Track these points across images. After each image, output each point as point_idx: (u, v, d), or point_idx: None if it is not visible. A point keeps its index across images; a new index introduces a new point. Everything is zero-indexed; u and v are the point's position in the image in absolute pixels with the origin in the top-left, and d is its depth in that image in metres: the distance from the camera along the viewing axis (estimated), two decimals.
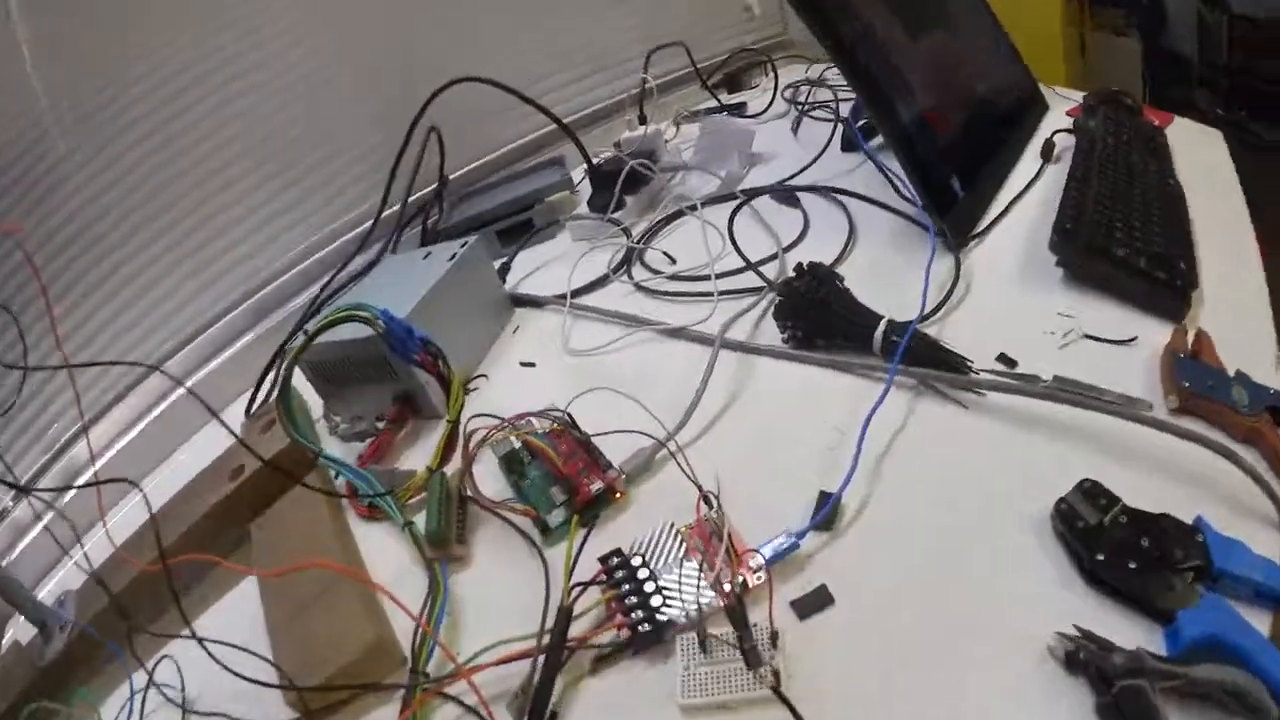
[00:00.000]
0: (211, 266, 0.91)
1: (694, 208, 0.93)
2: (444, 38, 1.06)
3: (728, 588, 0.45)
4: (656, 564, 0.48)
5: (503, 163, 1.13)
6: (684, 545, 0.49)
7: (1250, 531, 0.44)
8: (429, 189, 1.00)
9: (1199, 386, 0.54)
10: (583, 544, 0.53)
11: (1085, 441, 0.53)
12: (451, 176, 1.03)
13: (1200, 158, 0.89)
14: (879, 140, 0.94)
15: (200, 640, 0.47)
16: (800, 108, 1.16)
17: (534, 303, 0.84)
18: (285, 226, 0.95)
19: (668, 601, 0.46)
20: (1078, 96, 1.05)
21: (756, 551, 0.47)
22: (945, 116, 0.89)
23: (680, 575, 0.47)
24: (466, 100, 1.02)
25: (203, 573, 0.62)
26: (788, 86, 1.24)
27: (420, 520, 0.57)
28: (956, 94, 0.94)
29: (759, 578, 0.46)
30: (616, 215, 0.93)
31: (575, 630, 0.46)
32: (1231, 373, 0.55)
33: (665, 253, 0.87)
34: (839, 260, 0.80)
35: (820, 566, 0.49)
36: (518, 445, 0.59)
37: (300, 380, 0.70)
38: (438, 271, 0.74)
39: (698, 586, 0.46)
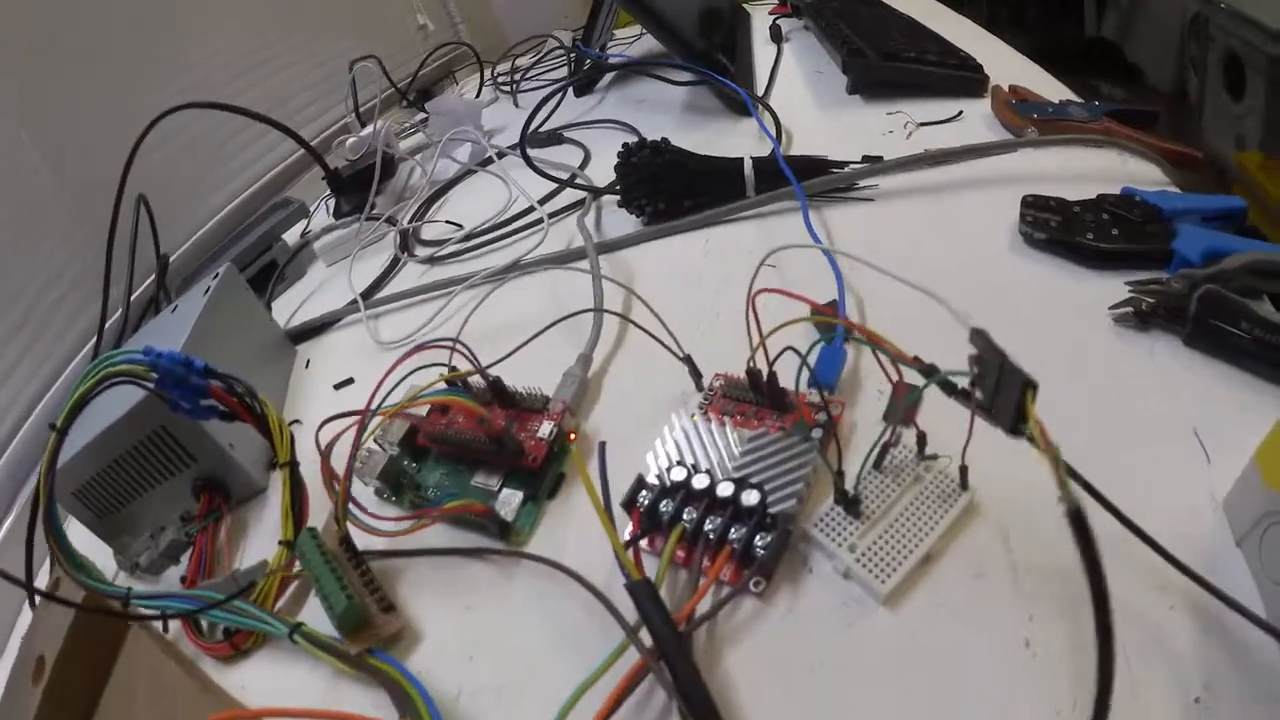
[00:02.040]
0: None
1: (491, 160, 0.81)
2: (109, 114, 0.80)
3: (817, 434, 0.31)
4: (710, 463, 0.32)
5: (227, 224, 0.88)
6: (724, 421, 0.34)
7: (1158, 189, 0.46)
8: (149, 281, 0.74)
9: (1044, 114, 0.57)
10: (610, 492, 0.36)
11: (992, 184, 0.52)
12: (172, 256, 0.77)
13: None
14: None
15: None
16: (514, 83, 1.10)
17: (318, 328, 0.63)
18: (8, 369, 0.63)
19: (765, 492, 0.30)
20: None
21: (816, 384, 0.34)
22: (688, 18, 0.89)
23: (753, 453, 0.32)
24: (168, 169, 0.80)
25: None
26: (493, 77, 1.17)
27: (308, 617, 0.37)
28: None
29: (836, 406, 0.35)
30: (374, 214, 0.75)
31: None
32: (1058, 102, 0.59)
33: (449, 221, 0.71)
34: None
35: (869, 372, 0.39)
36: (393, 452, 0.40)
37: (79, 536, 0.43)
38: (194, 311, 0.51)
39: (784, 450, 0.31)
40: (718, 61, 0.76)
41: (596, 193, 0.64)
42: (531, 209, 0.67)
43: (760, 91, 0.79)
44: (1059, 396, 0.32)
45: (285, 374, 0.58)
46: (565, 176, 0.68)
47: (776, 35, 0.96)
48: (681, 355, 0.39)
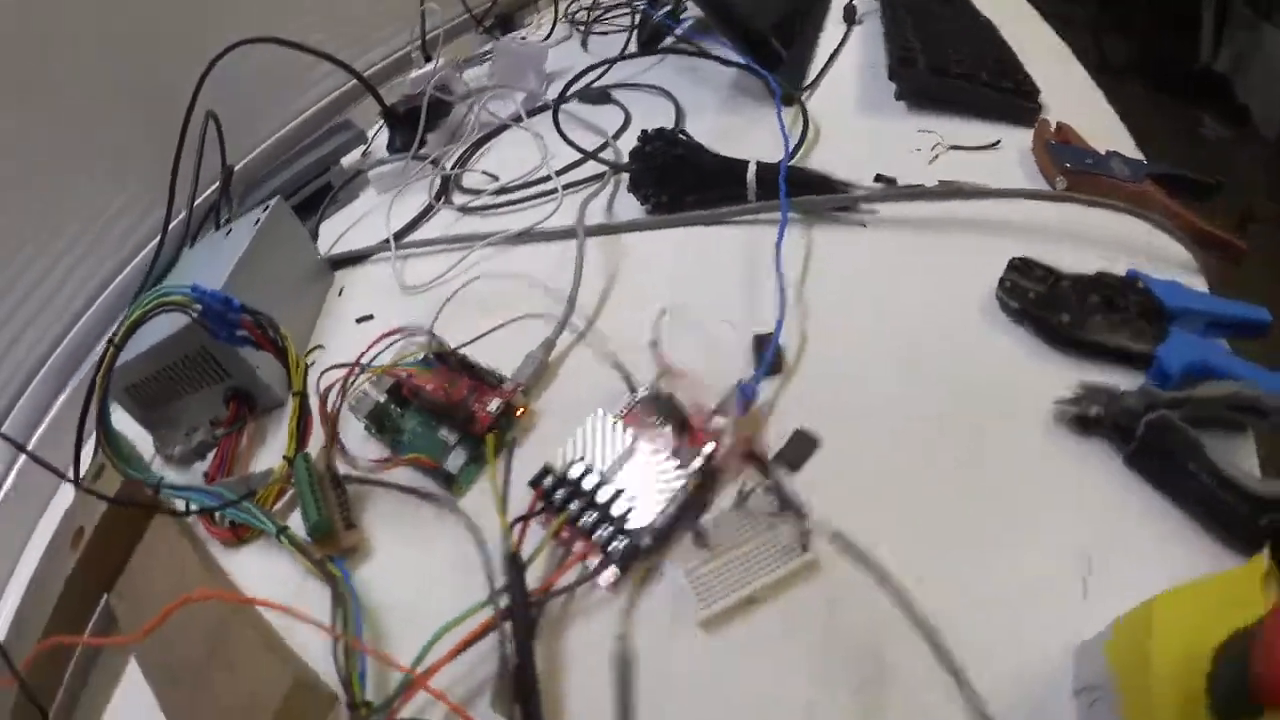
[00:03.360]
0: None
1: (519, 118, 0.82)
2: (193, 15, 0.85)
3: (698, 463, 0.35)
4: (603, 465, 0.37)
5: (290, 141, 0.93)
6: (628, 433, 0.38)
7: (1172, 278, 0.41)
8: (213, 187, 0.80)
9: (1080, 164, 0.52)
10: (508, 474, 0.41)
11: (994, 230, 0.49)
12: (237, 166, 0.83)
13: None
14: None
15: None
16: (584, 25, 1.08)
17: (354, 259, 0.69)
18: (74, 264, 0.73)
19: (633, 504, 0.35)
20: None
21: (715, 413, 0.37)
22: None
23: (638, 467, 0.36)
24: (239, 80, 0.82)
25: (83, 673, 0.45)
26: (566, 12, 1.15)
27: (296, 522, 0.44)
28: None
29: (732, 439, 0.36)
30: (422, 152, 0.79)
31: (532, 581, 0.35)
32: (1103, 152, 0.54)
33: (485, 172, 0.74)
34: (678, 122, 0.72)
35: (785, 414, 0.40)
36: (381, 399, 0.46)
37: (124, 424, 0.52)
38: (243, 241, 0.58)
39: (662, 472, 0.36)
40: (770, 48, 0.75)
41: (615, 169, 0.66)
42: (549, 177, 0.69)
43: (808, 81, 0.77)
44: (961, 479, 0.35)
45: (320, 298, 0.65)
46: (598, 143, 0.71)
47: (850, 15, 0.90)
48: (618, 362, 0.43)
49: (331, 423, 0.46)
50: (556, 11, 1.14)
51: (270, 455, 0.52)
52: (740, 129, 0.69)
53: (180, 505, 0.48)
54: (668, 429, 0.37)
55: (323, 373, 0.47)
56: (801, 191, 0.54)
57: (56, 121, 0.71)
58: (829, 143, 0.65)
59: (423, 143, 0.80)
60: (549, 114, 0.81)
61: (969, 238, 0.49)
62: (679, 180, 0.59)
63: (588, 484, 0.36)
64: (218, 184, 0.79)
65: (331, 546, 0.42)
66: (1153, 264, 0.43)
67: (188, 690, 0.39)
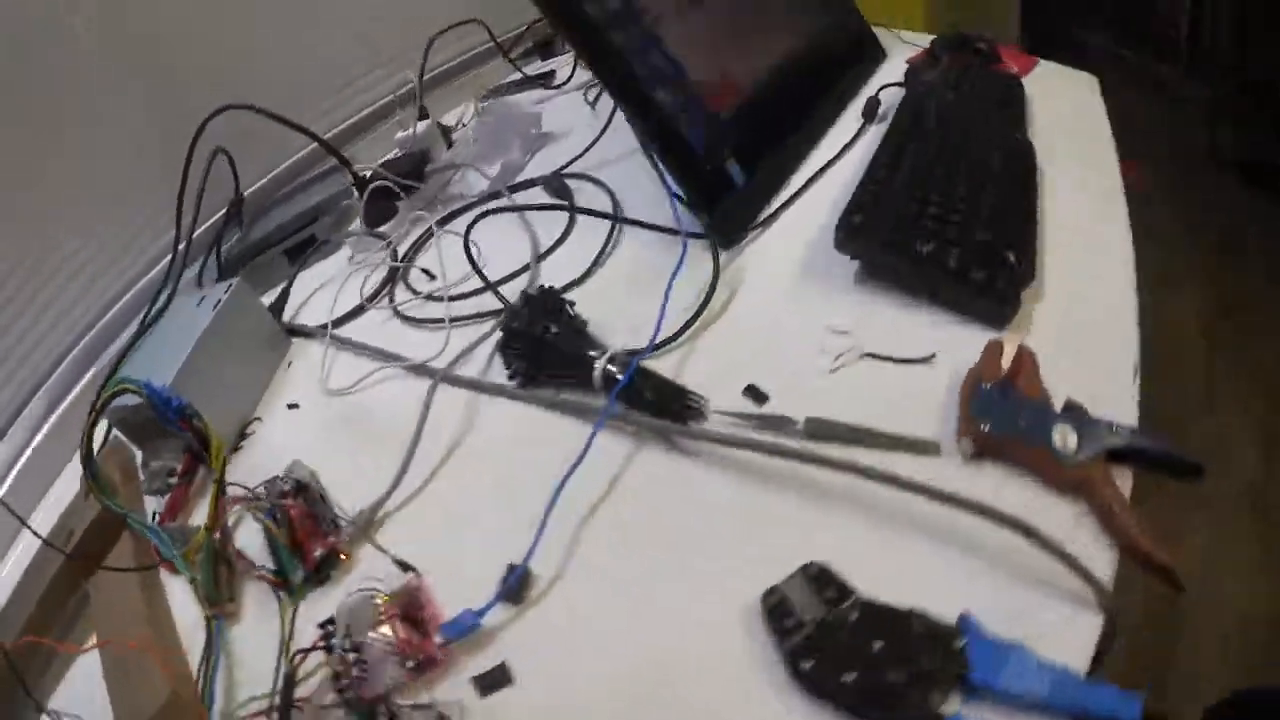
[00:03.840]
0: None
1: (445, 220, 0.89)
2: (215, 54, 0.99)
3: (410, 664, 0.47)
4: (358, 633, 0.50)
5: (302, 166, 1.07)
6: (380, 615, 0.52)
7: (1055, 624, 0.34)
8: (223, 211, 0.97)
9: (1005, 427, 0.41)
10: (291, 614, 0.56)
11: (837, 506, 0.42)
12: (249, 191, 1.00)
13: (1066, 108, 0.75)
14: None
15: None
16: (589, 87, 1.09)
17: (305, 333, 0.81)
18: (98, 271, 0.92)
19: (363, 672, 0.48)
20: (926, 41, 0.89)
21: (443, 627, 0.48)
22: (731, 85, 0.77)
23: (372, 646, 0.49)
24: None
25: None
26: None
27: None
28: (752, 54, 0.80)
29: (442, 653, 0.47)
30: (384, 229, 0.91)
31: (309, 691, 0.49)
32: (1059, 404, 0.42)
33: (425, 270, 0.83)
34: (596, 265, 0.74)
35: (507, 642, 0.46)
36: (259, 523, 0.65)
37: None
38: (203, 322, 0.74)
39: (386, 659, 0.48)
40: (722, 173, 0.68)
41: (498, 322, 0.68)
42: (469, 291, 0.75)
43: (765, 213, 0.68)
44: None
45: (274, 366, 0.81)
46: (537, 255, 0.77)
47: (870, 111, 0.78)
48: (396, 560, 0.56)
49: (223, 523, 0.65)
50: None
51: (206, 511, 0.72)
52: (662, 270, 0.63)
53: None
54: (399, 625, 0.53)
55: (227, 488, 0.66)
56: (643, 400, 0.54)
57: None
58: (737, 313, 0.60)
59: (392, 212, 0.91)
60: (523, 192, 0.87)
61: (806, 506, 0.43)
62: (539, 357, 0.62)
63: (344, 644, 0.52)
64: (225, 208, 0.96)
65: (217, 608, 0.63)
66: (1039, 595, 0.34)
67: (117, 675, 0.60)
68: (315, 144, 0.99)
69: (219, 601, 0.63)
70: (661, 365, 0.61)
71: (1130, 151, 0.66)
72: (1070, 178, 0.61)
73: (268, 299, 0.87)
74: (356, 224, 0.94)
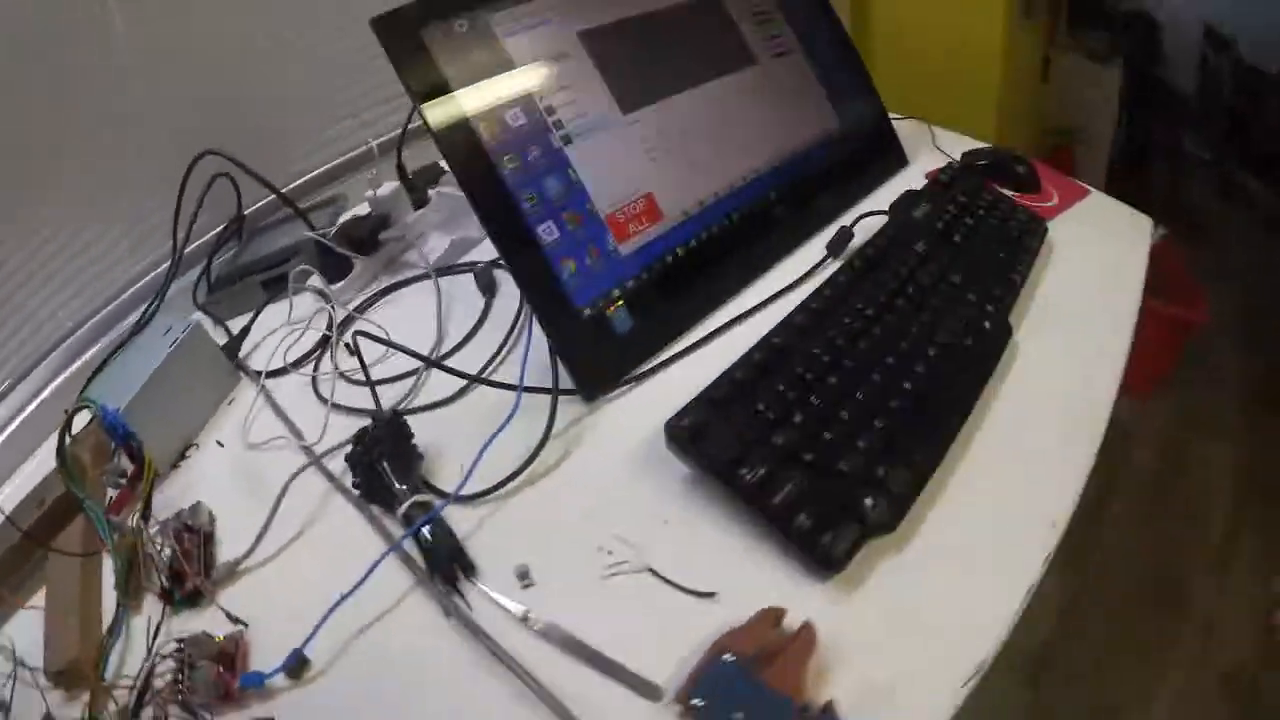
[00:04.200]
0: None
1: (387, 291, 1.01)
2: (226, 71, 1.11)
3: (218, 694, 0.62)
4: (196, 657, 0.63)
5: (299, 193, 1.19)
6: (213, 650, 0.65)
7: None
8: (222, 226, 1.13)
9: (717, 715, 0.37)
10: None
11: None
12: (247, 211, 1.14)
13: (1093, 265, 0.64)
14: None
15: None
16: None
17: (248, 374, 0.92)
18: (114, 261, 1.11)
19: (190, 687, 0.62)
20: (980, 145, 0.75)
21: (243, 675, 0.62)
22: (652, 211, 0.70)
23: (200, 669, 0.63)
24: (269, 122, 1.12)
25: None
26: None
27: None
28: (704, 169, 0.71)
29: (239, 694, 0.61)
30: (338, 286, 1.01)
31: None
32: (821, 702, 0.37)
33: (347, 344, 0.90)
34: (464, 392, 0.80)
35: (280, 703, 0.58)
36: (166, 551, 0.87)
37: None
38: (160, 355, 0.86)
39: (207, 683, 0.62)
40: (601, 320, 0.63)
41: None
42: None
43: (642, 368, 0.65)
44: None
45: (218, 401, 0.93)
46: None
47: (839, 245, 0.66)
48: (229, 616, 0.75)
49: (141, 545, 0.88)
50: None
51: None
52: (527, 412, 0.63)
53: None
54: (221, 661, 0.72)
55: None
56: (429, 548, 0.60)
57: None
58: (552, 486, 0.61)
59: (348, 268, 1.05)
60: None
61: (512, 706, 0.45)
62: (367, 480, 0.69)
63: (181, 658, 0.71)
64: (221, 227, 1.12)
65: (125, 599, 0.87)
66: None
67: (55, 619, 0.87)
68: (312, 173, 1.15)
69: (126, 594, 0.87)
70: (467, 515, 0.67)
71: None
72: (1050, 369, 0.50)
73: (237, 323, 1.02)
74: (315, 277, 1.03)
